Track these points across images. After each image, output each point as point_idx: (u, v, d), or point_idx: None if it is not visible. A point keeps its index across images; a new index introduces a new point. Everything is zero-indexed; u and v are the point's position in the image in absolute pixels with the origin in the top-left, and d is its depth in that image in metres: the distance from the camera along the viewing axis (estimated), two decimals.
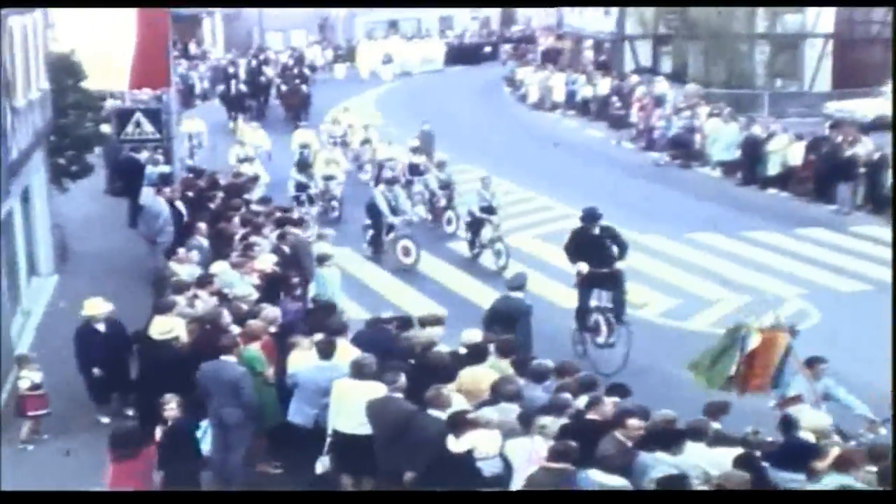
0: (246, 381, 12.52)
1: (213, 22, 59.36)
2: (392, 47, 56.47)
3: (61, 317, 17.88)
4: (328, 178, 26.85)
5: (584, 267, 16.92)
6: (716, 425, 11.28)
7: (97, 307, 14.85)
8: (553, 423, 10.71)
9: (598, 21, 49.29)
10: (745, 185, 30.15)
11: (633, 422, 10.63)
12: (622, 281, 17.24)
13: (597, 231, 17.06)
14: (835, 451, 10.38)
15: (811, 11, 42.61)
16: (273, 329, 13.70)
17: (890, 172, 25.91)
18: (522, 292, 15.99)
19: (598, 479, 9.88)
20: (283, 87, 42.31)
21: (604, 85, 42.18)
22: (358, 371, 11.81)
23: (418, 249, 22.64)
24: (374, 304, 18.44)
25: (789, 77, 43.95)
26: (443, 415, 10.85)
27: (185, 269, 16.84)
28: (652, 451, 10.39)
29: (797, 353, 13.10)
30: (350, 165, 29.54)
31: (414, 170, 27.29)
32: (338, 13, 64.16)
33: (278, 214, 20.25)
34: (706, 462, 10.33)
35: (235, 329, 13.58)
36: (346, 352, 12.63)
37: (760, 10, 42.37)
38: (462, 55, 59.34)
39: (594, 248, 17.00)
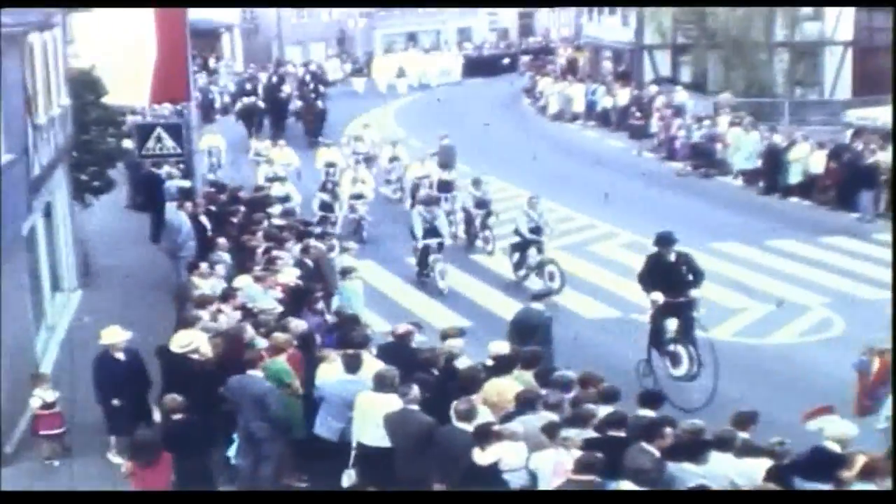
0: (272, 395, 12.54)
1: (231, 36, 59.51)
2: (408, 60, 56.45)
3: (86, 332, 17.79)
4: (356, 198, 26.08)
5: (659, 297, 16.27)
6: (744, 435, 11.21)
7: (116, 336, 14.26)
8: (577, 434, 10.68)
9: (616, 31, 49.24)
10: (767, 193, 30.10)
11: (669, 430, 10.55)
12: (695, 310, 16.59)
13: (672, 258, 16.46)
14: (861, 460, 10.33)
15: (830, 19, 42.48)
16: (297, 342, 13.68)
17: None
18: (542, 303, 15.93)
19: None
20: (299, 103, 42.15)
21: (623, 95, 42.17)
22: (380, 384, 11.80)
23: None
24: (396, 315, 18.43)
25: (809, 85, 43.82)
26: (469, 427, 10.82)
27: (207, 283, 16.84)
28: (678, 462, 10.33)
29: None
30: (375, 184, 28.23)
31: (443, 187, 26.45)
32: (356, 26, 64.30)
33: (301, 228, 20.28)
34: (734, 472, 10.29)
35: (263, 342, 13.57)
36: (373, 365, 12.61)
37: (779, 19, 42.27)
38: (481, 67, 59.33)
39: (670, 275, 16.37)
